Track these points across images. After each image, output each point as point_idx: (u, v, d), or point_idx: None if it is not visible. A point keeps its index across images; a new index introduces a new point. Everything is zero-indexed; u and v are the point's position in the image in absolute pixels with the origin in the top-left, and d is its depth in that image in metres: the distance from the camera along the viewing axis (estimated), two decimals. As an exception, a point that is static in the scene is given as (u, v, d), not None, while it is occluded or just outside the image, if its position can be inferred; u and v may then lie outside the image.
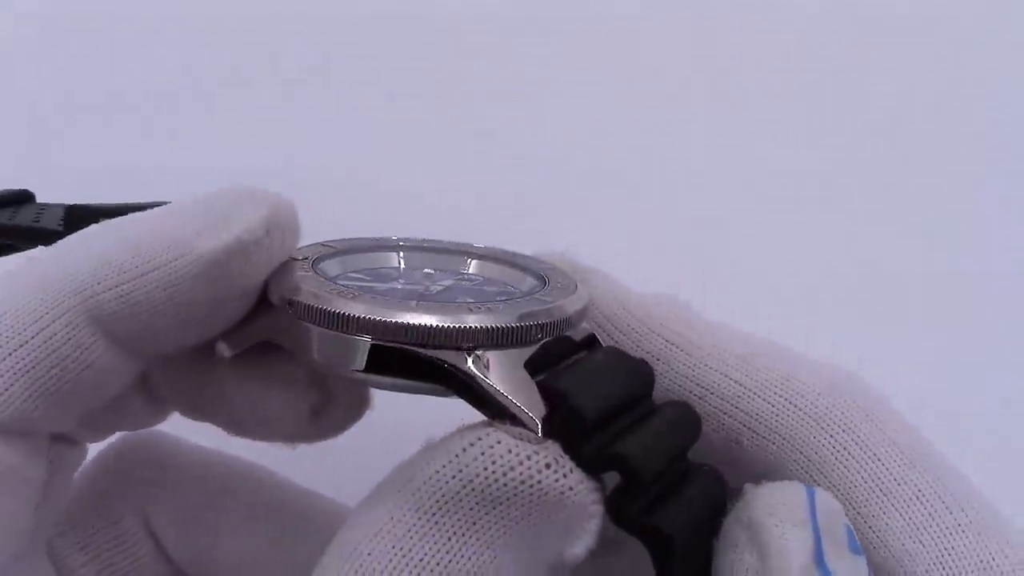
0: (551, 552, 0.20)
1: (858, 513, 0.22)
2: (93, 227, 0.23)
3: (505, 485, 0.20)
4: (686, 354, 0.24)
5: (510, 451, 0.20)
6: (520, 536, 0.20)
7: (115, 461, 0.29)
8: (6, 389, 0.22)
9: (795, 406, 0.23)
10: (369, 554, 0.20)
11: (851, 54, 0.48)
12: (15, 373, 0.22)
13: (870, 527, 0.22)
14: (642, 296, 0.26)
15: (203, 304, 0.22)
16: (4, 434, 0.22)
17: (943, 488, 0.23)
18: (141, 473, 0.29)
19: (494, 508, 0.20)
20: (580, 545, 0.20)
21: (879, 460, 0.23)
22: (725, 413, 0.24)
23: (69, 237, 0.23)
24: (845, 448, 0.23)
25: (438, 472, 0.20)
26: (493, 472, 0.20)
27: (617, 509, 0.21)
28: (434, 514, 0.20)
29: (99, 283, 0.22)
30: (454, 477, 0.20)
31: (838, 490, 0.23)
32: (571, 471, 0.20)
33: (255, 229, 0.22)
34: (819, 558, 0.20)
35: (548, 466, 0.20)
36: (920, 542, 0.22)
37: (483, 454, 0.20)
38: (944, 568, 0.22)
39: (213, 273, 0.22)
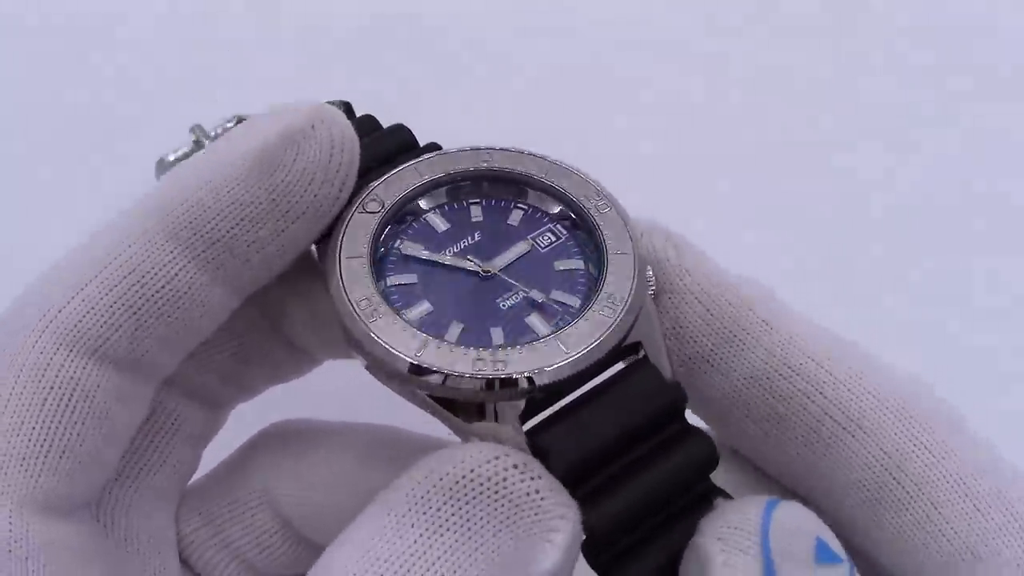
0: (518, 566, 0.21)
1: (936, 509, 0.23)
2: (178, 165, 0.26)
3: (471, 481, 0.20)
4: (777, 333, 0.25)
5: (480, 451, 0.21)
6: (488, 543, 0.20)
7: (251, 442, 0.31)
8: (92, 307, 0.24)
9: (878, 400, 0.24)
10: (349, 550, 0.21)
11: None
12: (102, 290, 0.24)
13: (948, 523, 0.23)
14: (733, 275, 0.26)
15: (265, 200, 0.24)
16: (93, 357, 0.24)
17: (1019, 491, 0.23)
18: (270, 452, 0.30)
19: (461, 508, 0.20)
20: (547, 560, 0.20)
21: (960, 461, 0.23)
22: (809, 397, 0.24)
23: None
24: (926, 447, 0.23)
25: (412, 475, 0.21)
26: (461, 471, 0.20)
27: (590, 553, 0.22)
28: (404, 515, 0.21)
29: (170, 201, 0.24)
30: (425, 477, 0.21)
31: (917, 487, 0.23)
32: (540, 476, 0.21)
33: (300, 123, 0.24)
34: None
35: (516, 467, 0.20)
36: (1003, 542, 0.22)
37: (454, 455, 0.21)
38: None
39: (267, 166, 0.24)
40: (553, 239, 0.26)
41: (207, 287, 0.25)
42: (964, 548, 0.22)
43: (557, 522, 0.20)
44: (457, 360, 0.22)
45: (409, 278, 0.25)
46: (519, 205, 0.26)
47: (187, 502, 0.30)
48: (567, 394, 0.23)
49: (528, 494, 0.20)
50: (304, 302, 0.27)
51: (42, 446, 0.23)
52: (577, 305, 0.24)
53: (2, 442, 0.23)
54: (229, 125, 0.32)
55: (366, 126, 0.28)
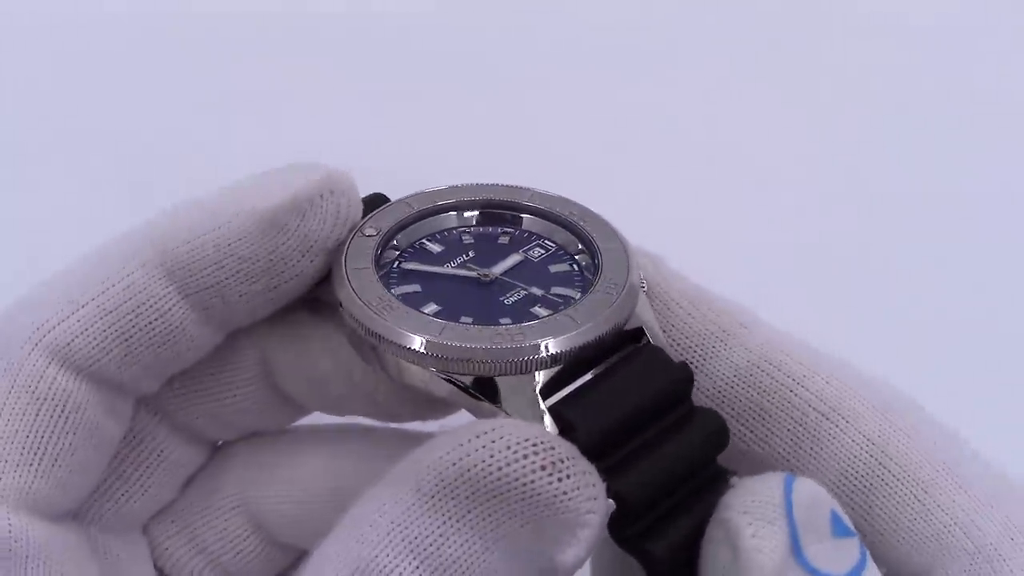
0: (543, 556, 0.21)
1: (923, 489, 0.24)
2: (183, 200, 0.26)
3: (499, 480, 0.20)
4: (756, 335, 0.26)
5: (509, 448, 0.20)
6: (512, 534, 0.21)
7: (221, 448, 0.30)
8: (86, 328, 0.24)
9: (852, 390, 0.25)
10: (370, 525, 0.21)
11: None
12: (97, 313, 0.24)
13: (935, 500, 0.24)
14: (711, 291, 0.27)
15: (263, 259, 0.25)
16: (81, 375, 0.24)
17: (992, 471, 0.24)
18: (241, 455, 0.30)
19: (488, 501, 0.20)
20: (571, 553, 0.21)
21: (934, 440, 0.24)
22: (792, 391, 0.25)
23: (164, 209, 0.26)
24: (903, 431, 0.24)
25: (441, 458, 0.21)
26: (489, 467, 0.20)
27: (617, 529, 0.22)
28: (432, 497, 0.20)
29: (174, 239, 0.24)
30: (454, 465, 0.20)
31: (901, 468, 0.24)
32: (568, 476, 0.21)
33: (310, 191, 0.24)
34: (797, 551, 0.21)
35: (543, 468, 0.20)
36: (988, 517, 0.23)
37: (484, 447, 0.20)
38: (1012, 539, 0.23)
39: (270, 228, 0.24)
40: (543, 252, 0.27)
41: (196, 324, 0.25)
42: (953, 523, 0.23)
43: (585, 517, 0.21)
44: (476, 337, 0.23)
45: (413, 288, 0.26)
46: (506, 231, 0.28)
47: (161, 511, 0.29)
48: (581, 375, 0.23)
49: (555, 496, 0.20)
50: (301, 362, 0.28)
51: (35, 453, 0.24)
52: (577, 296, 0.25)
53: None
54: None
55: None
